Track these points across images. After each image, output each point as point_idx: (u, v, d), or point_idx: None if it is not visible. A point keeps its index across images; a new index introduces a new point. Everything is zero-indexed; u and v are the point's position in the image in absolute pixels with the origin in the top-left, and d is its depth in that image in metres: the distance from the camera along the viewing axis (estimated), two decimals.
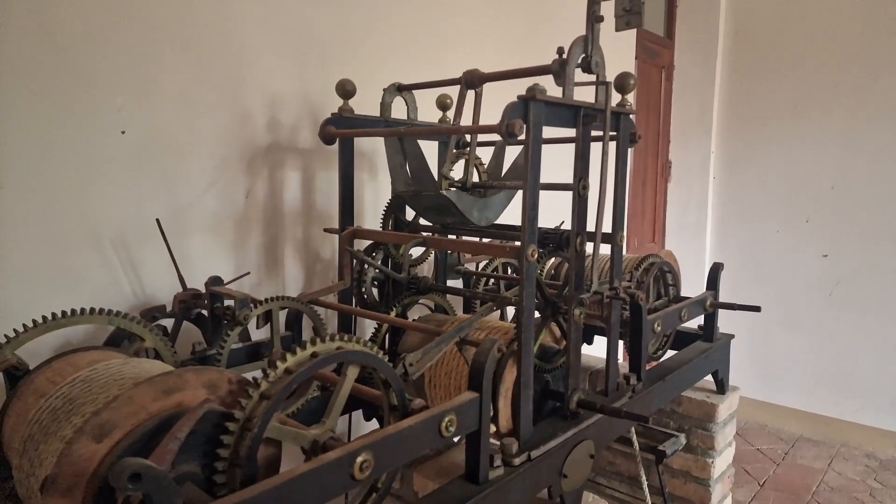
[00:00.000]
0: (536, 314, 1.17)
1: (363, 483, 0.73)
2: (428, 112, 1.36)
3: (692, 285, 3.77)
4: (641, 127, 3.27)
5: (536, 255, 0.96)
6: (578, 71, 1.01)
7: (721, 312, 1.64)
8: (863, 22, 2.95)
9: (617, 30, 1.01)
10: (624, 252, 1.27)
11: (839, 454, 3.05)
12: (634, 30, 2.70)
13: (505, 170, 1.37)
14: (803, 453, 3.06)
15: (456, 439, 0.93)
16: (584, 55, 1.00)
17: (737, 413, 1.74)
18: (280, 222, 1.37)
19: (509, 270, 1.56)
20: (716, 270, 1.61)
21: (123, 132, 1.10)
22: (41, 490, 0.60)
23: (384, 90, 1.27)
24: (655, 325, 1.34)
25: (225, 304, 1.05)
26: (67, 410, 0.70)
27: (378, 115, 1.27)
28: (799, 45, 3.14)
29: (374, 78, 1.35)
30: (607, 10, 1.00)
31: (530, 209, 0.94)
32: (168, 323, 1.08)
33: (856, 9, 2.96)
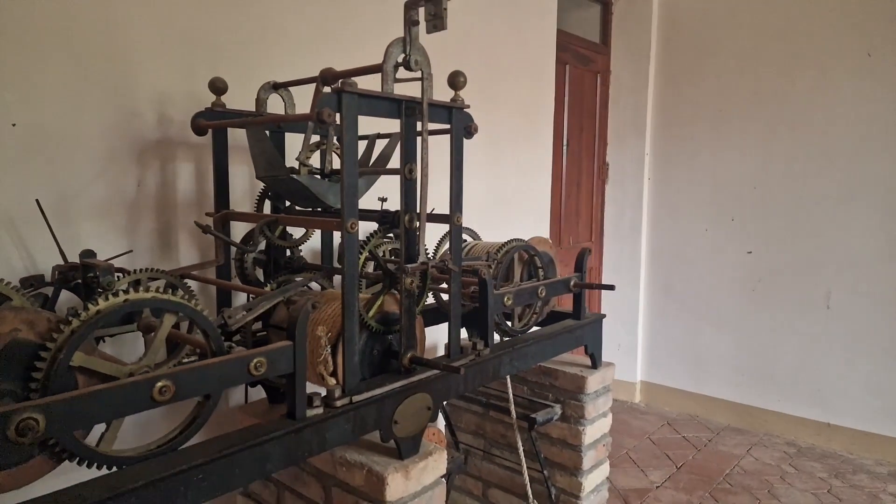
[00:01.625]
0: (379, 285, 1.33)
1: (162, 405, 0.87)
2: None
3: (627, 280, 3.92)
4: (576, 130, 3.44)
5: (357, 228, 1.12)
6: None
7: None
8: (781, 33, 3.13)
9: (427, 32, 1.17)
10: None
11: (760, 442, 3.19)
12: (554, 36, 2.89)
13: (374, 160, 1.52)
14: (726, 441, 3.20)
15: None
16: (404, 54, 1.16)
17: (612, 386, 1.89)
18: (173, 210, 1.52)
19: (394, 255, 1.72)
20: (582, 255, 1.76)
21: (14, 125, 1.25)
22: None
23: (260, 87, 1.43)
24: (506, 299, 1.49)
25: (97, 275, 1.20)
26: None
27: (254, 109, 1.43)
28: (722, 53, 3.32)
29: (258, 76, 1.52)
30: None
31: (348, 188, 1.10)
32: (49, 292, 1.23)
33: (776, 20, 3.14)
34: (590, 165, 3.62)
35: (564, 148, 3.36)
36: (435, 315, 1.67)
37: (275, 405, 1.43)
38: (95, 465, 0.87)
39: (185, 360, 1.04)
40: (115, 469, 0.89)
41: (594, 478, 1.84)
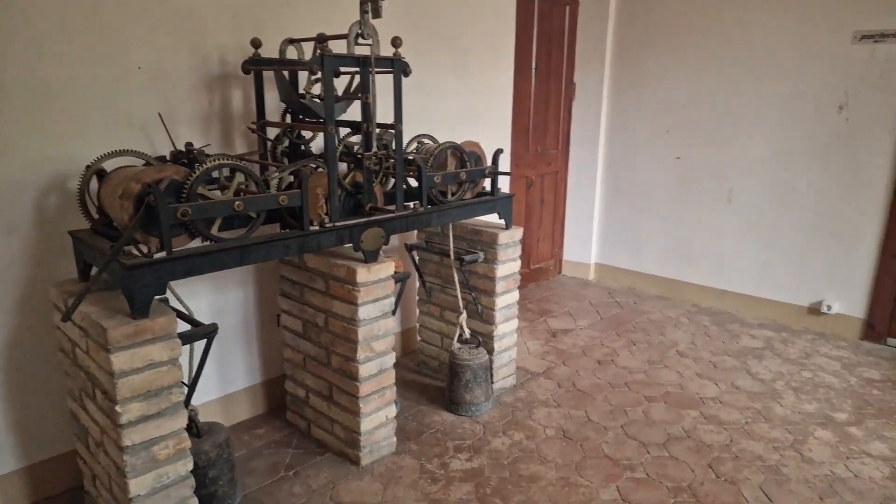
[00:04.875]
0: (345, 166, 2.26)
1: (237, 212, 1.85)
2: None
3: (586, 182, 4.79)
4: (545, 55, 4.18)
5: (334, 131, 2.03)
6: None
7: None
8: None
9: (372, 18, 2.01)
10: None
11: (672, 304, 4.13)
12: None
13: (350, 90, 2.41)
14: (647, 305, 4.15)
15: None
16: (358, 33, 2.02)
17: (520, 241, 2.82)
18: (231, 119, 2.45)
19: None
20: (497, 154, 2.64)
21: (140, 68, 2.17)
22: (119, 198, 1.73)
23: (281, 42, 2.31)
24: (435, 178, 2.41)
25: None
26: (128, 177, 1.82)
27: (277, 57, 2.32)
28: None
29: (281, 34, 2.39)
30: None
31: (328, 107, 2.00)
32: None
33: None
34: (558, 86, 4.37)
35: (534, 71, 4.12)
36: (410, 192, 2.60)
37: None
38: (211, 241, 1.85)
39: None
40: (219, 243, 1.88)
41: (504, 299, 2.83)
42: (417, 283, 3.12)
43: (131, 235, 1.66)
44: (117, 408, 1.61)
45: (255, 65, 2.24)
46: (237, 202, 1.82)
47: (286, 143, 2.41)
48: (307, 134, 2.49)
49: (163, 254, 1.70)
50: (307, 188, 1.99)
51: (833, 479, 2.35)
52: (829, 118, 3.47)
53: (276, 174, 2.02)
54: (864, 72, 3.33)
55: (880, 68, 3.28)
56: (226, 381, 2.67)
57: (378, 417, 2.41)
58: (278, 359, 2.80)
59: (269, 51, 2.36)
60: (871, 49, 3.28)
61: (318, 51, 2.02)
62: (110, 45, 2.07)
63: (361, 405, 2.32)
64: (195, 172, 1.78)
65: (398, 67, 2.17)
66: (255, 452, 2.52)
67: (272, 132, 2.47)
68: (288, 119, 2.43)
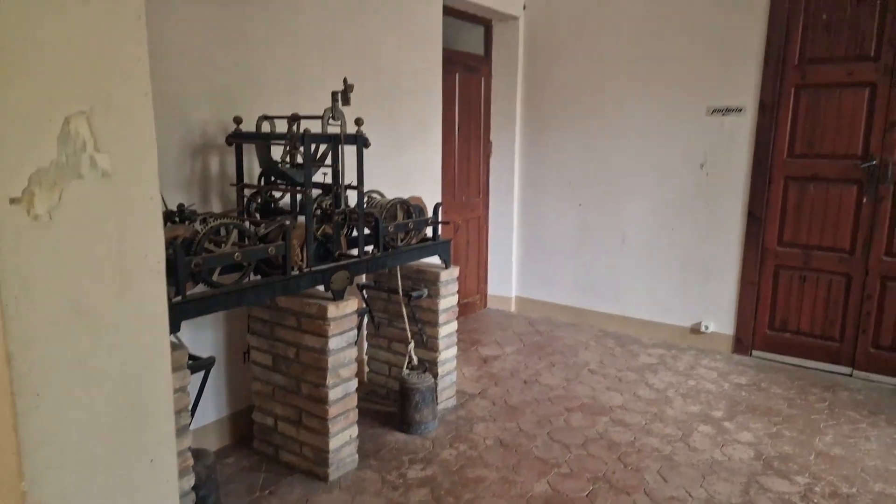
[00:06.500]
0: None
1: (237, 262, 2.23)
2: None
3: (504, 225, 5.39)
4: (466, 119, 4.82)
5: (311, 192, 2.47)
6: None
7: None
8: (597, 61, 4.56)
9: (342, 105, 2.50)
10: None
11: (582, 330, 4.79)
12: (440, 60, 4.22)
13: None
14: (561, 331, 4.79)
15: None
16: (331, 114, 2.50)
17: (457, 279, 3.34)
18: (212, 181, 2.82)
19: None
20: (437, 206, 3.17)
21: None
22: None
23: (258, 118, 2.73)
24: (389, 227, 2.89)
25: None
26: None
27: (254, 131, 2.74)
28: (563, 68, 4.74)
29: (257, 111, 2.81)
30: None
31: (307, 173, 2.44)
32: None
33: (594, 53, 4.57)
34: (478, 144, 5.02)
35: (457, 132, 4.74)
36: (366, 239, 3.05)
37: None
38: (212, 287, 2.21)
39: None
40: (220, 288, 2.24)
41: (446, 329, 3.32)
42: (366, 319, 3.54)
43: None
44: None
45: (238, 138, 2.65)
46: (237, 253, 2.21)
47: (259, 200, 2.81)
48: (277, 194, 2.90)
49: (178, 298, 2.05)
50: (290, 240, 2.41)
51: (712, 462, 2.98)
52: (694, 174, 4.32)
53: (263, 230, 2.42)
54: (716, 138, 4.21)
55: (728, 135, 4.17)
56: (196, 415, 2.94)
57: (343, 437, 2.78)
58: (243, 392, 3.11)
59: (245, 125, 2.77)
60: (721, 120, 4.17)
61: (295, 128, 2.47)
62: None
63: (330, 426, 2.70)
64: (199, 230, 2.16)
65: (360, 142, 2.66)
66: (229, 478, 2.80)
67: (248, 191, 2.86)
68: (262, 182, 2.84)
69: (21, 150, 1.10)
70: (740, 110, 4.10)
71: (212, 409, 3.01)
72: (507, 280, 5.23)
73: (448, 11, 4.28)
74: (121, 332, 1.31)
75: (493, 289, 5.29)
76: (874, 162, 3.80)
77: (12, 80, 1.09)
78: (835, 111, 3.88)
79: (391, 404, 3.47)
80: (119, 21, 1.26)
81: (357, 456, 2.88)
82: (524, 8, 4.84)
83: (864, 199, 3.86)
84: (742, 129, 4.12)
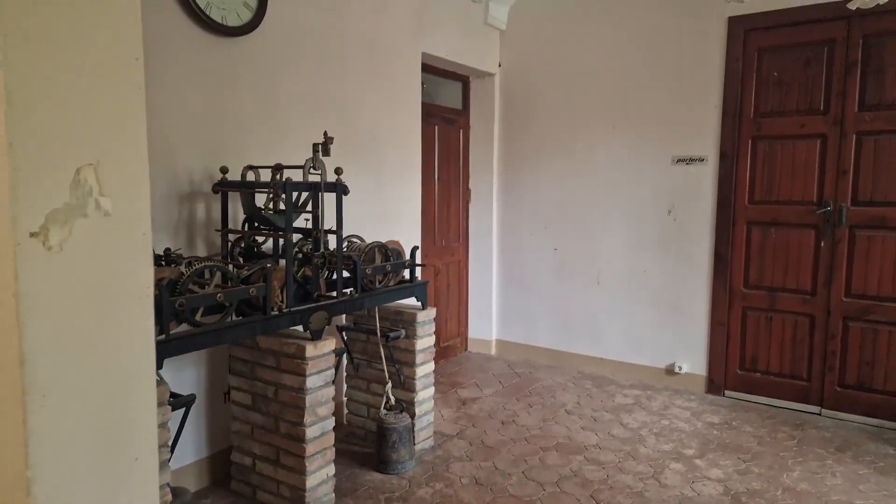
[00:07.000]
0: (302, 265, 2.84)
1: (220, 302, 2.35)
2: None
3: (484, 268, 5.57)
4: (445, 167, 5.04)
5: (291, 237, 2.62)
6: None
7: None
8: (570, 108, 4.84)
9: (322, 156, 2.68)
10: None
11: (560, 372, 4.89)
12: (419, 113, 4.46)
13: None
14: (540, 373, 4.88)
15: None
16: (312, 164, 2.67)
17: (434, 319, 3.46)
18: (197, 227, 2.97)
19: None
20: (414, 250, 3.32)
21: None
22: None
23: (243, 168, 2.90)
24: (367, 270, 3.03)
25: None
26: None
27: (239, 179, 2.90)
28: (537, 118, 5.01)
29: (242, 161, 2.99)
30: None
31: (288, 219, 2.59)
32: None
33: (567, 100, 4.85)
34: (457, 190, 5.23)
35: (437, 180, 4.95)
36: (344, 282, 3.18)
37: None
38: (195, 326, 2.32)
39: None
40: (202, 328, 2.34)
41: (423, 369, 3.41)
42: (345, 360, 3.63)
43: None
44: None
45: (224, 186, 2.81)
46: (219, 294, 2.33)
47: (243, 245, 2.95)
48: (260, 238, 3.04)
49: (162, 336, 2.16)
50: (271, 281, 2.54)
51: (682, 498, 3.06)
52: (663, 219, 4.53)
53: (245, 272, 2.55)
54: (682, 185, 4.44)
55: (692, 182, 4.40)
56: (175, 457, 2.99)
57: (320, 475, 2.84)
58: (222, 433, 3.16)
59: (231, 174, 2.94)
60: (686, 169, 4.41)
61: (278, 177, 2.63)
62: None
63: (307, 464, 2.76)
64: (184, 272, 2.29)
65: (340, 189, 2.82)
66: None
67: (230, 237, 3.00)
68: (246, 227, 2.98)
69: (41, 194, 1.35)
70: (703, 160, 4.35)
71: (191, 450, 3.06)
72: (487, 323, 5.35)
73: (427, 69, 4.55)
74: (108, 351, 1.52)
75: (473, 332, 5.40)
76: (829, 207, 4.03)
77: (36, 132, 1.34)
78: (790, 160, 4.13)
79: (370, 445, 3.53)
80: (123, 89, 1.52)
81: (334, 495, 2.93)
82: (499, 66, 5.15)
83: (822, 243, 4.07)
84: (705, 177, 4.36)
